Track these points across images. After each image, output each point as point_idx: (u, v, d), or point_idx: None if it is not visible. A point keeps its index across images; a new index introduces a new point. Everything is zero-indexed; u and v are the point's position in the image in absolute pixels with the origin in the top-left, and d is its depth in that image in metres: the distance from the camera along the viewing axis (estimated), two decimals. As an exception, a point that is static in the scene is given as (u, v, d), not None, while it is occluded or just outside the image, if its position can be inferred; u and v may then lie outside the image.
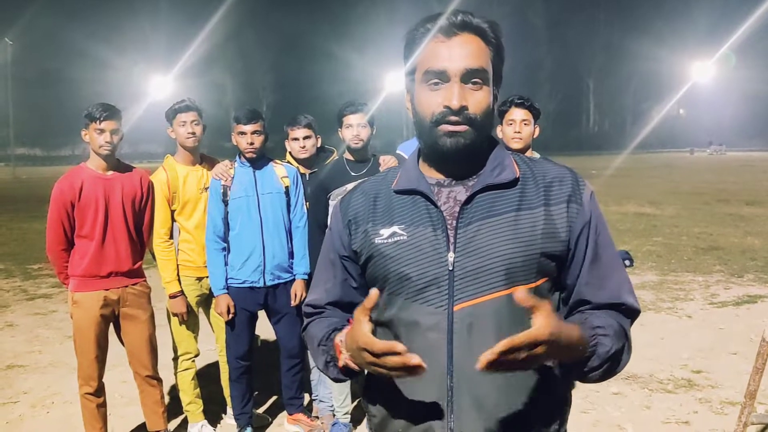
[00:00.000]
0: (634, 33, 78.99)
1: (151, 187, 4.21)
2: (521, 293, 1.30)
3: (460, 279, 1.52)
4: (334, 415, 4.63)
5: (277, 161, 4.46)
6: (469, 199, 1.56)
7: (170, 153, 4.55)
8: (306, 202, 4.46)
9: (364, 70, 65.99)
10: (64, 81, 70.17)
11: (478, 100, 1.53)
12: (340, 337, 1.57)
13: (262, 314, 4.50)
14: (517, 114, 4.08)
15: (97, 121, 3.85)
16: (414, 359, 1.32)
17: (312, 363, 4.80)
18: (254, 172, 4.30)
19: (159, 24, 74.19)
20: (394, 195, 1.66)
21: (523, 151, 4.08)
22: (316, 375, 4.81)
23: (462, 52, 1.52)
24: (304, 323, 1.82)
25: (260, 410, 5.03)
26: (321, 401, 4.77)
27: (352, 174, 4.23)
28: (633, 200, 20.33)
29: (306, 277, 4.38)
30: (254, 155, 4.26)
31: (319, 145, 4.69)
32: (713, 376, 5.50)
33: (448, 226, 1.56)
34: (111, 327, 4.14)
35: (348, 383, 4.49)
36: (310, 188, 4.47)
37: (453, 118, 1.51)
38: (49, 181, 4.95)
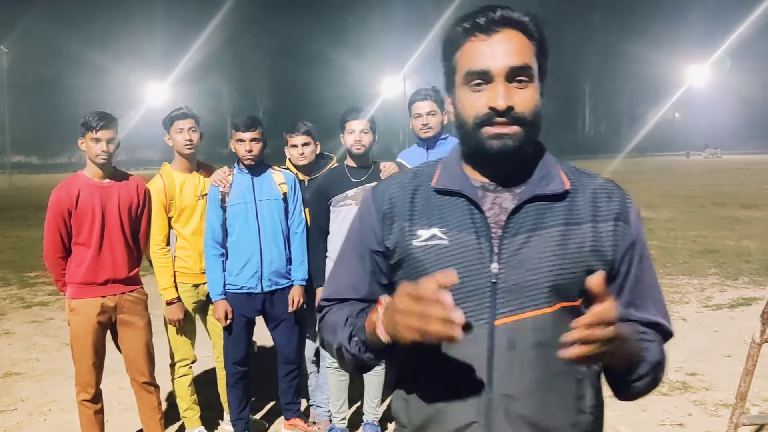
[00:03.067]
0: (630, 37, 79.21)
1: (147, 195, 4.23)
2: (598, 277, 1.24)
3: (503, 292, 1.43)
4: (330, 421, 4.65)
5: (276, 168, 4.49)
6: (517, 209, 1.47)
7: (167, 160, 4.58)
8: (305, 208, 4.49)
9: (362, 76, 66.12)
10: (60, 88, 70.16)
11: (525, 98, 1.44)
12: (384, 299, 1.41)
13: (259, 320, 4.53)
14: None
15: (94, 131, 3.87)
16: (458, 316, 1.20)
17: (309, 369, 4.82)
18: (252, 178, 4.33)
19: (155, 31, 74.19)
20: (433, 193, 1.55)
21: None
22: (313, 380, 4.84)
23: (504, 50, 1.43)
24: (322, 313, 1.69)
25: (257, 416, 5.04)
26: (318, 406, 4.78)
27: (353, 180, 4.26)
28: (629, 204, 20.33)
29: (304, 283, 4.40)
30: (253, 162, 4.29)
31: (318, 152, 4.72)
32: (708, 378, 5.53)
33: (493, 235, 1.46)
34: (108, 334, 4.16)
35: (345, 389, 4.51)
36: (309, 194, 4.49)
37: (499, 119, 1.42)
38: (46, 188, 4.97)
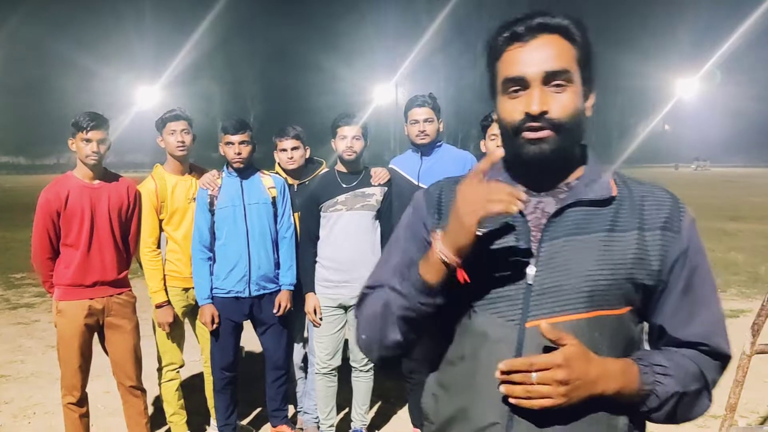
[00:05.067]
0: (620, 49, 79.49)
1: (137, 197, 4.20)
2: (546, 326, 1.33)
3: (537, 295, 1.43)
4: (318, 427, 4.62)
5: (265, 171, 4.47)
6: (558, 212, 1.48)
7: (157, 162, 4.55)
8: (294, 212, 4.47)
9: (353, 82, 66.13)
10: (49, 89, 69.65)
11: (562, 103, 1.43)
12: (439, 229, 1.45)
13: (247, 325, 4.50)
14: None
15: (84, 131, 3.84)
16: (520, 193, 1.34)
17: (297, 375, 4.79)
18: (241, 182, 4.31)
19: (146, 33, 73.92)
20: None
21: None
22: (301, 387, 4.81)
23: (540, 56, 1.43)
24: (360, 300, 1.66)
25: (244, 422, 5.01)
26: (305, 413, 4.75)
27: (343, 186, 4.26)
28: (618, 214, 20.42)
29: (292, 288, 4.38)
30: (242, 165, 4.27)
31: (307, 156, 4.71)
32: (696, 389, 5.52)
33: (532, 238, 1.48)
34: (95, 337, 4.12)
35: (334, 395, 4.49)
36: (298, 199, 4.48)
37: (534, 124, 1.42)
38: (33, 189, 4.93)
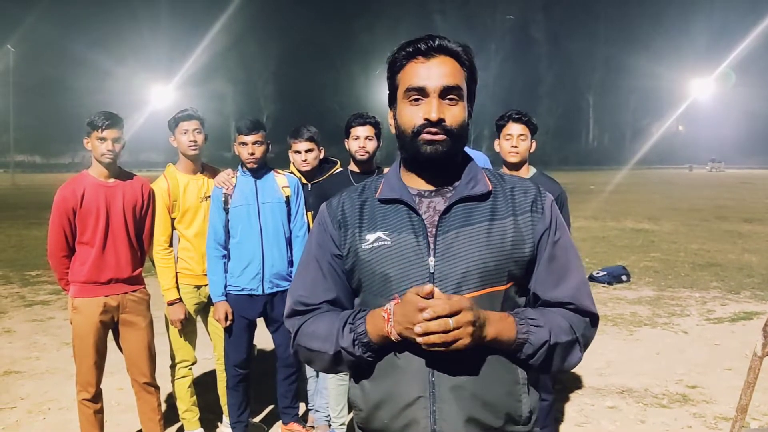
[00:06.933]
0: (634, 49, 79.20)
1: (152, 195, 4.24)
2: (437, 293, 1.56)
3: (439, 281, 1.67)
4: (330, 426, 4.64)
5: (279, 171, 4.50)
6: (448, 209, 1.73)
7: (170, 162, 4.59)
8: (307, 212, 4.49)
9: (367, 82, 66.25)
10: (65, 88, 70.05)
11: (454, 114, 1.72)
12: (389, 306, 1.65)
13: (258, 323, 4.52)
14: (515, 129, 4.12)
15: (99, 130, 3.88)
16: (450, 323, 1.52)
17: (309, 373, 4.81)
18: (255, 181, 4.34)
19: (160, 33, 74.23)
20: (377, 203, 1.81)
21: (520, 165, 4.12)
22: (312, 385, 4.82)
23: (439, 72, 1.71)
24: (298, 322, 1.87)
25: (256, 419, 5.04)
26: (317, 411, 4.78)
27: (356, 186, 4.26)
28: (631, 216, 20.37)
29: (304, 286, 4.40)
30: (255, 165, 4.30)
31: (322, 157, 4.73)
32: (708, 391, 5.52)
33: (429, 233, 1.72)
34: (110, 334, 4.16)
35: (345, 394, 4.51)
36: (311, 198, 4.50)
37: (432, 129, 1.69)
38: (48, 188, 4.98)
